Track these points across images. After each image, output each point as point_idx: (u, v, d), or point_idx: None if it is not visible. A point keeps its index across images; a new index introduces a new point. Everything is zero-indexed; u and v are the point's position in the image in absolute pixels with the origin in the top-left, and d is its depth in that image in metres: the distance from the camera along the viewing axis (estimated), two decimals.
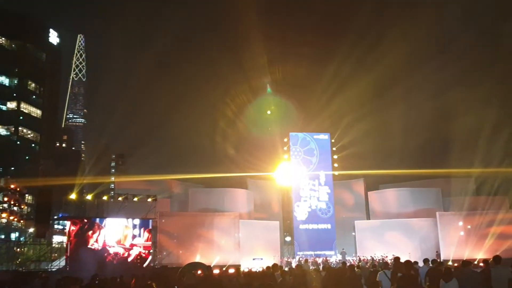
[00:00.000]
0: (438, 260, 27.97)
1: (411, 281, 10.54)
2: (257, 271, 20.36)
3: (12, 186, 36.61)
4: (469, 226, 33.27)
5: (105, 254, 28.45)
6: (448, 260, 30.25)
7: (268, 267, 13.66)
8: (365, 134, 42.26)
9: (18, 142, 78.50)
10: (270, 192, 39.98)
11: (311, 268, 23.65)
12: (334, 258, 34.30)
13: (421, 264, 14.53)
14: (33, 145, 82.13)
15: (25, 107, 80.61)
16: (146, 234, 29.84)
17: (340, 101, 43.67)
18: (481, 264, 15.80)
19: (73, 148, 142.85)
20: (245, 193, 37.93)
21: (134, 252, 29.33)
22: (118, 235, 29.20)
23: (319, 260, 31.98)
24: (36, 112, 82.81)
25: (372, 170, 39.23)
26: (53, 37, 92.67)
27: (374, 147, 43.80)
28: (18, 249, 36.17)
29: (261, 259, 32.32)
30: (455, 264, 25.83)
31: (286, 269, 16.07)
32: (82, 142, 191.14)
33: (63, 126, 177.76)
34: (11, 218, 37.52)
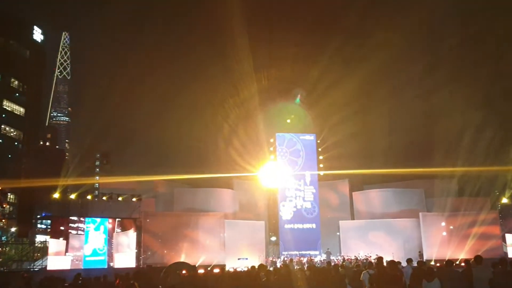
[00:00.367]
0: (421, 260, 28.39)
1: (393, 280, 10.65)
2: (242, 270, 20.42)
3: None
4: (451, 227, 33.77)
5: None
6: (430, 260, 30.69)
7: (253, 267, 13.68)
8: (350, 135, 42.50)
9: (1, 141, 77.20)
10: (256, 192, 40.00)
11: (295, 267, 23.77)
12: (319, 257, 34.46)
13: (404, 264, 14.72)
14: (16, 143, 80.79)
15: (8, 105, 79.27)
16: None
17: (325, 102, 43.85)
18: (463, 264, 16.02)
19: (57, 146, 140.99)
20: (230, 193, 37.92)
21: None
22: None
23: (304, 260, 32.12)
24: (19, 110, 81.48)
25: (357, 170, 39.46)
26: (37, 34, 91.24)
27: (359, 148, 44.06)
28: (0, 249, 35.69)
29: (246, 259, 32.40)
30: (438, 264, 26.18)
31: (271, 268, 16.11)
32: (67, 140, 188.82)
33: (47, 124, 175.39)
34: None
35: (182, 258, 29.77)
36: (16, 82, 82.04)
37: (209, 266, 27.71)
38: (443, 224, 34.10)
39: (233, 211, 36.99)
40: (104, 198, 31.12)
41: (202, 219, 32.86)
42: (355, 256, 32.27)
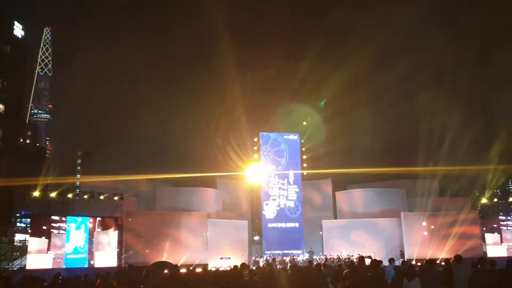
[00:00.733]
0: (402, 259, 28.69)
1: (365, 278, 10.73)
2: (225, 270, 20.34)
3: None
4: (432, 226, 34.19)
5: None
6: (411, 259, 31.03)
7: (235, 266, 13.62)
8: (333, 135, 42.80)
9: None
10: (239, 191, 39.94)
11: (278, 267, 23.79)
12: (302, 257, 34.56)
13: (386, 263, 14.80)
14: None
15: None
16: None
17: (309, 101, 44.09)
18: (443, 263, 16.19)
19: (38, 144, 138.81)
20: (213, 192, 37.76)
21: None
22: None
23: (287, 259, 32.18)
24: None
25: (340, 169, 39.71)
26: (18, 30, 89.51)
27: (342, 148, 44.36)
28: None
29: (229, 258, 32.33)
30: (418, 263, 26.47)
31: (254, 268, 16.09)
32: (47, 138, 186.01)
33: (27, 121, 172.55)
34: None
35: (164, 258, 29.53)
36: None
37: (191, 265, 27.60)
38: (424, 223, 34.50)
39: (216, 211, 36.84)
40: (86, 196, 30.75)
41: (184, 218, 32.65)
42: (337, 255, 32.44)
